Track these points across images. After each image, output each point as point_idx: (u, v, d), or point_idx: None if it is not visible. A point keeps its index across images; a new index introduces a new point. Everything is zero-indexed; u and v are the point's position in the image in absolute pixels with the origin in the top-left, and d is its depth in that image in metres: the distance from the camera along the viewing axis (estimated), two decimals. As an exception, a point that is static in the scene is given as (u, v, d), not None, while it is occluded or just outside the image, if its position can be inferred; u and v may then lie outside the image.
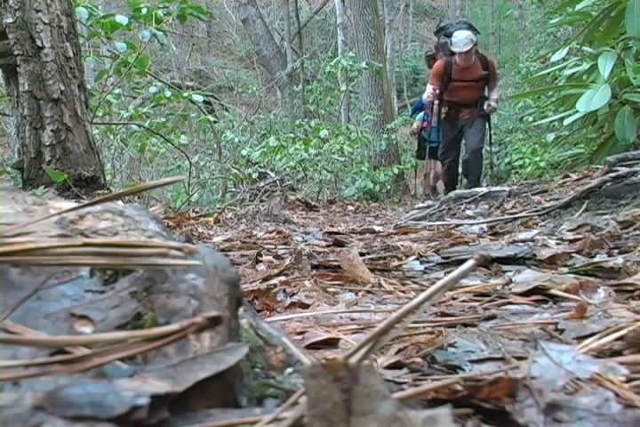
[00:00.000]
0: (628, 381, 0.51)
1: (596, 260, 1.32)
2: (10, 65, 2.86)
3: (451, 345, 0.69)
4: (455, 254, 1.57)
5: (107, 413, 0.32)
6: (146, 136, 5.44)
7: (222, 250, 1.98)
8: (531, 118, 8.75)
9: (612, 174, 2.46)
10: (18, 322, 0.39)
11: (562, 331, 0.74)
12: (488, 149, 6.80)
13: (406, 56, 20.43)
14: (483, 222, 2.51)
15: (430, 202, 5.29)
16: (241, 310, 0.49)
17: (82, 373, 0.36)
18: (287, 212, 4.57)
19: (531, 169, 7.85)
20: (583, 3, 4.21)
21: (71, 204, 0.54)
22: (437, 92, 6.04)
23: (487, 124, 6.39)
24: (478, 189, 3.82)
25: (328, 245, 2.07)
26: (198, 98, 5.11)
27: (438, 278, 1.22)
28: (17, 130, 2.97)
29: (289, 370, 0.47)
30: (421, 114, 7.39)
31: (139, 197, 4.18)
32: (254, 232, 2.71)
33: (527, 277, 1.13)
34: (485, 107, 6.02)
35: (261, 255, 1.69)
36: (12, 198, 0.55)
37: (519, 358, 0.61)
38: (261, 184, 6.76)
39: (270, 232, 2.69)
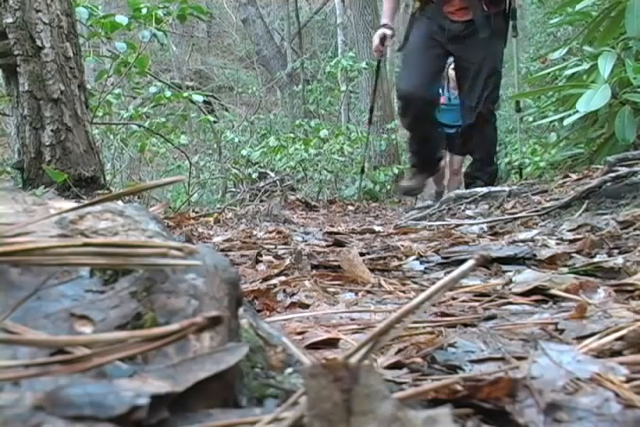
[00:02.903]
0: (628, 381, 0.51)
1: (596, 260, 1.32)
2: (10, 65, 2.86)
3: (451, 345, 0.69)
4: (455, 254, 1.57)
5: (107, 413, 0.32)
6: (146, 136, 5.44)
7: (222, 250, 1.98)
8: (531, 118, 8.74)
9: (612, 174, 2.45)
10: (18, 322, 0.39)
11: (562, 331, 0.74)
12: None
13: (406, 56, 20.39)
14: (483, 222, 2.50)
15: (430, 202, 5.28)
16: (241, 310, 0.49)
17: (82, 373, 0.36)
18: (287, 212, 4.57)
19: (531, 169, 7.85)
20: (583, 3, 4.21)
21: (71, 204, 0.54)
22: None
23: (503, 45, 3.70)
24: (478, 189, 3.81)
25: (328, 245, 2.06)
26: (198, 98, 5.12)
27: (438, 278, 1.22)
28: (17, 130, 2.98)
29: (289, 370, 0.47)
30: None
31: (139, 197, 4.18)
32: (254, 232, 2.70)
33: (527, 277, 1.13)
34: None
35: (261, 255, 1.69)
36: (12, 198, 0.55)
37: (519, 358, 0.61)
38: (261, 184, 6.76)
39: (270, 232, 2.69)
